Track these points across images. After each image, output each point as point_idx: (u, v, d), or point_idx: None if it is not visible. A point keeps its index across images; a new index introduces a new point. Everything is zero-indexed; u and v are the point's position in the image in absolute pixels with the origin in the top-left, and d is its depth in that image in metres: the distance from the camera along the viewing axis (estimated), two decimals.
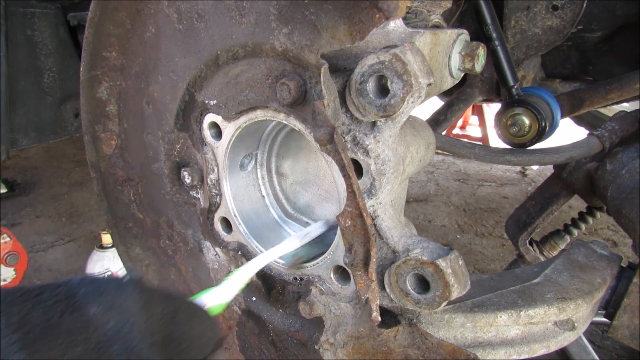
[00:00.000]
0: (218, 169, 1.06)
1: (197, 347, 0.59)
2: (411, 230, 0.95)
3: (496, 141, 1.98)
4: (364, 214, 0.80)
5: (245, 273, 0.89)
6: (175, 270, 1.27)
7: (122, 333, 0.47)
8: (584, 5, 1.51)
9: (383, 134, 0.81)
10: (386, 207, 0.87)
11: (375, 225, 0.86)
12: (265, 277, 1.09)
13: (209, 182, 1.08)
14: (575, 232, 1.71)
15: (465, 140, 1.50)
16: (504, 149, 1.44)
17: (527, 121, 1.42)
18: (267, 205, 1.17)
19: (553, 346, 0.97)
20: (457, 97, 1.81)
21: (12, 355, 0.41)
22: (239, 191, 1.10)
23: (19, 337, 0.42)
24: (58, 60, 2.25)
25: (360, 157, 0.82)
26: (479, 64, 0.94)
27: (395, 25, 0.82)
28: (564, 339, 0.98)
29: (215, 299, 0.78)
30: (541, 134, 1.42)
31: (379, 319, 0.88)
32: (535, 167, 4.52)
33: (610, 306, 1.14)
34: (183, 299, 0.63)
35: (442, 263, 0.79)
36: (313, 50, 0.81)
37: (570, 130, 3.19)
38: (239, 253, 1.10)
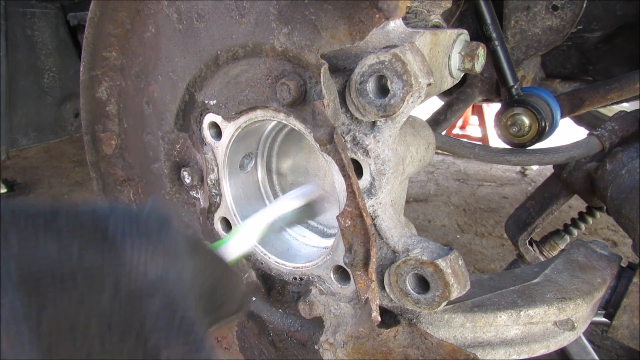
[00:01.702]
0: (218, 169, 1.06)
1: (231, 302, 0.49)
2: (411, 230, 0.95)
3: (496, 141, 1.98)
4: (364, 214, 0.80)
5: (255, 225, 0.85)
6: None
7: (164, 283, 0.35)
8: (584, 5, 1.51)
9: (383, 134, 0.81)
10: (386, 207, 0.87)
11: (375, 225, 0.86)
12: (265, 277, 1.09)
13: (209, 182, 1.08)
14: (575, 232, 1.71)
15: (465, 140, 1.50)
16: (504, 149, 1.44)
17: (527, 121, 1.42)
18: (267, 205, 1.17)
19: (553, 346, 0.97)
20: (457, 97, 1.81)
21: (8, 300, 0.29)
22: (238, 191, 1.10)
23: (19, 276, 0.30)
24: (58, 60, 2.25)
25: (360, 157, 0.82)
26: (479, 64, 0.94)
27: (395, 25, 0.82)
28: (564, 339, 0.98)
29: (231, 251, 0.73)
30: (541, 134, 1.42)
31: (379, 319, 0.87)
32: (535, 167, 4.52)
33: (610, 306, 1.14)
34: (213, 252, 0.50)
35: (442, 263, 0.79)
36: (313, 50, 0.81)
37: (570, 130, 3.19)
38: None
